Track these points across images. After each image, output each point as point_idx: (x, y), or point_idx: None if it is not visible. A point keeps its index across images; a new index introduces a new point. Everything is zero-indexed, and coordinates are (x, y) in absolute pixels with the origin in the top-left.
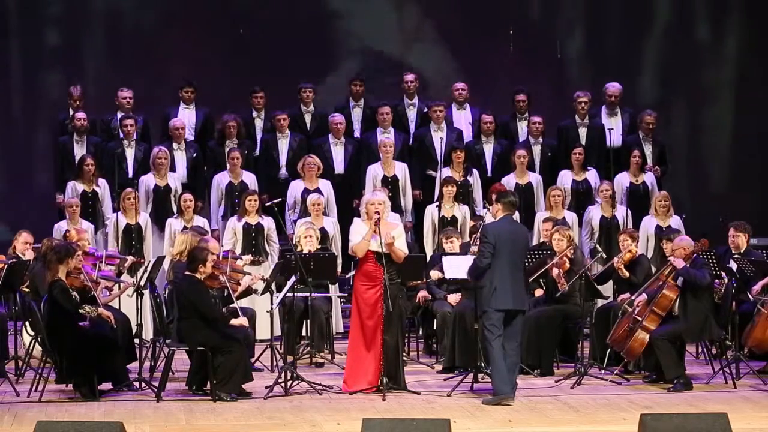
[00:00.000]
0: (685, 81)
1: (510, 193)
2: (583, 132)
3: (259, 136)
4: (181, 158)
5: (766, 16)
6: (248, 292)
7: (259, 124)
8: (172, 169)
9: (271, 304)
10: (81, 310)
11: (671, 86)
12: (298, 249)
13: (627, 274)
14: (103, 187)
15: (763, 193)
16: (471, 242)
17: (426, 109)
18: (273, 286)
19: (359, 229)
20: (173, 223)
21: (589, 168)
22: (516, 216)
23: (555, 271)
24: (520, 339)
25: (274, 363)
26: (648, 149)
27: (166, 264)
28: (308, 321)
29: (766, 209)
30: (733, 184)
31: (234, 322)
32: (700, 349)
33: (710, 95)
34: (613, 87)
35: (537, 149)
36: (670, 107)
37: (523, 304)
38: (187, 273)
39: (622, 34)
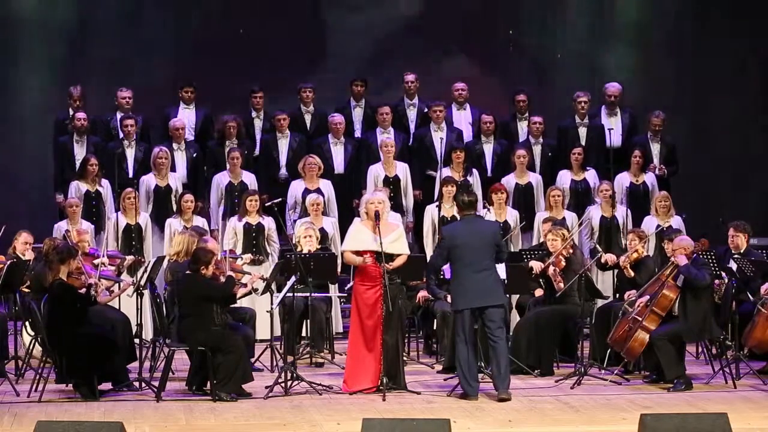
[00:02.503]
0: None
1: (462, 192)
2: (583, 132)
3: (258, 136)
4: (181, 158)
5: None
6: (248, 291)
7: (258, 124)
8: (173, 169)
9: (271, 304)
10: (93, 293)
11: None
12: (298, 249)
13: (632, 274)
14: (106, 188)
15: (762, 194)
16: None
17: (426, 109)
18: (273, 286)
19: (357, 233)
20: (173, 223)
21: (588, 168)
22: (489, 214)
23: (551, 270)
24: (500, 326)
25: (274, 363)
26: (655, 149)
27: (166, 264)
28: (308, 321)
29: (765, 209)
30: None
31: (245, 286)
32: (700, 349)
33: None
34: (613, 87)
35: (537, 149)
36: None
37: (494, 300)
38: (188, 272)
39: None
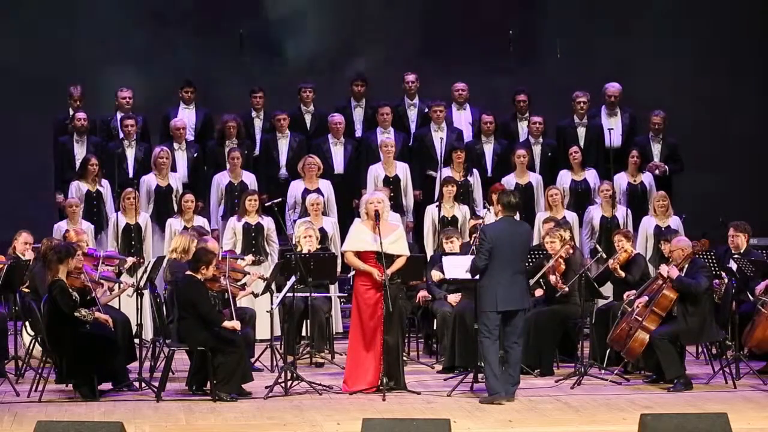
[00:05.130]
0: None
1: (509, 193)
2: (581, 132)
3: (258, 136)
4: (182, 158)
5: None
6: (248, 293)
7: (258, 124)
8: (173, 169)
9: (271, 304)
10: (77, 313)
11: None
12: (298, 249)
13: (623, 275)
14: (106, 188)
15: (762, 194)
16: (471, 242)
17: (426, 110)
18: (273, 286)
19: (357, 233)
20: (173, 223)
21: (588, 167)
22: (517, 216)
23: (552, 279)
24: (519, 333)
25: (274, 363)
26: (656, 149)
27: (165, 263)
28: (308, 321)
29: (765, 209)
30: None
31: (226, 324)
32: (700, 349)
33: None
34: (613, 87)
35: (537, 149)
36: None
37: (522, 303)
38: (188, 273)
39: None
